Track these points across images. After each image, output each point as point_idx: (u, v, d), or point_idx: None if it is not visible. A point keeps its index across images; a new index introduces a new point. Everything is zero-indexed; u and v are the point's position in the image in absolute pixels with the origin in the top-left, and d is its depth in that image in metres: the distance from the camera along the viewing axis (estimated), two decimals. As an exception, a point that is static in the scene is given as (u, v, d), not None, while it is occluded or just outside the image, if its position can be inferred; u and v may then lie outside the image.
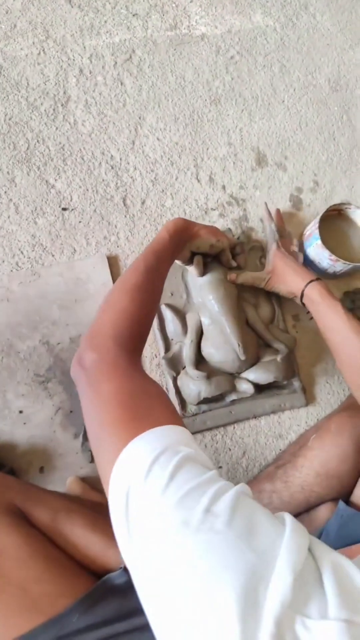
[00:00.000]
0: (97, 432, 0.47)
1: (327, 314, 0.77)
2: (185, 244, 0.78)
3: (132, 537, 0.37)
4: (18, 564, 0.61)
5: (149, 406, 0.47)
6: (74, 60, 1.00)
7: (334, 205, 0.93)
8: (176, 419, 0.46)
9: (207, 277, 0.83)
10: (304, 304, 0.82)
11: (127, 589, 0.60)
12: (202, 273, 0.84)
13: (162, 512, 0.36)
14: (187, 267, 0.86)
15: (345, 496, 0.76)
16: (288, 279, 0.83)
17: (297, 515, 0.80)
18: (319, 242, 0.89)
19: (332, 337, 0.77)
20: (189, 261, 0.83)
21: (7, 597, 0.59)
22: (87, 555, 0.66)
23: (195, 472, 0.38)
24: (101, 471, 0.43)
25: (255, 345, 0.85)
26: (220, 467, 0.86)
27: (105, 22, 1.03)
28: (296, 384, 0.89)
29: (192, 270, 0.85)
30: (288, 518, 0.37)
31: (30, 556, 0.62)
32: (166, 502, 0.36)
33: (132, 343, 0.56)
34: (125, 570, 0.62)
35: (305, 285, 0.80)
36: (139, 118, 0.99)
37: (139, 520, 0.37)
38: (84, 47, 1.01)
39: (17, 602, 0.59)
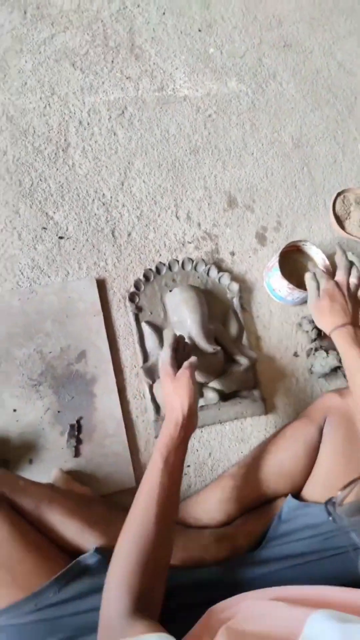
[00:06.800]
0: None
1: (348, 357, 0.83)
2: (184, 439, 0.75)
3: None
4: (3, 546, 0.70)
5: None
6: (74, 113, 1.17)
7: (293, 241, 1.09)
8: None
9: (178, 293, 0.98)
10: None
11: (99, 568, 0.71)
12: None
13: None
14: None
15: (296, 491, 0.88)
16: (327, 315, 0.89)
17: (256, 507, 0.91)
18: (279, 273, 1.04)
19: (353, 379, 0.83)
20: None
21: None
22: (65, 539, 0.76)
23: None
24: None
25: (222, 359, 0.98)
26: (189, 466, 0.97)
27: (103, 83, 1.21)
28: (256, 393, 1.02)
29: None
30: None
31: (14, 539, 0.71)
32: None
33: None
34: (97, 550, 0.72)
35: (334, 329, 0.86)
36: (128, 163, 1.16)
37: None
38: (84, 103, 1.18)
39: (2, 579, 0.69)
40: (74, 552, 0.75)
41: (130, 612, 0.57)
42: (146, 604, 0.60)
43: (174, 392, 0.76)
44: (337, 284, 0.91)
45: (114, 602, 0.59)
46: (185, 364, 0.80)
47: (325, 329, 0.90)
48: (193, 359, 0.81)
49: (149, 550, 0.62)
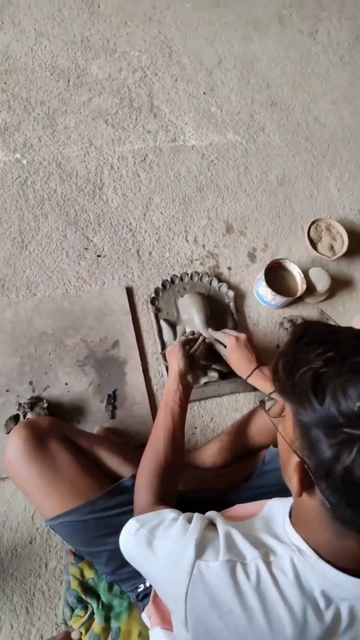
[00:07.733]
0: None
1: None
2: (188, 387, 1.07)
3: None
4: (70, 469, 1.01)
5: None
6: (107, 160, 1.51)
7: (276, 259, 1.42)
8: None
9: (187, 298, 1.31)
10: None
11: (133, 488, 1.01)
12: None
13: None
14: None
15: (276, 443, 1.19)
16: (241, 364, 1.17)
17: (246, 455, 1.21)
18: (264, 283, 1.37)
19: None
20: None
21: (62, 487, 0.99)
22: (110, 468, 1.07)
23: None
24: None
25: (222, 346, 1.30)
26: (196, 428, 1.29)
27: (129, 136, 1.56)
28: (247, 375, 1.34)
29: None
30: (195, 517, 0.71)
31: (76, 464, 1.02)
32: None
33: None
34: (132, 476, 1.03)
35: (249, 374, 1.15)
36: (149, 199, 1.49)
37: None
38: (114, 152, 1.53)
39: (68, 490, 1.00)
40: (116, 477, 1.06)
41: (153, 504, 0.88)
42: (164, 501, 0.90)
43: (170, 359, 1.12)
44: (237, 338, 1.19)
45: (142, 499, 0.90)
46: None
47: (243, 375, 1.16)
48: (182, 337, 1.17)
49: (162, 463, 0.94)
